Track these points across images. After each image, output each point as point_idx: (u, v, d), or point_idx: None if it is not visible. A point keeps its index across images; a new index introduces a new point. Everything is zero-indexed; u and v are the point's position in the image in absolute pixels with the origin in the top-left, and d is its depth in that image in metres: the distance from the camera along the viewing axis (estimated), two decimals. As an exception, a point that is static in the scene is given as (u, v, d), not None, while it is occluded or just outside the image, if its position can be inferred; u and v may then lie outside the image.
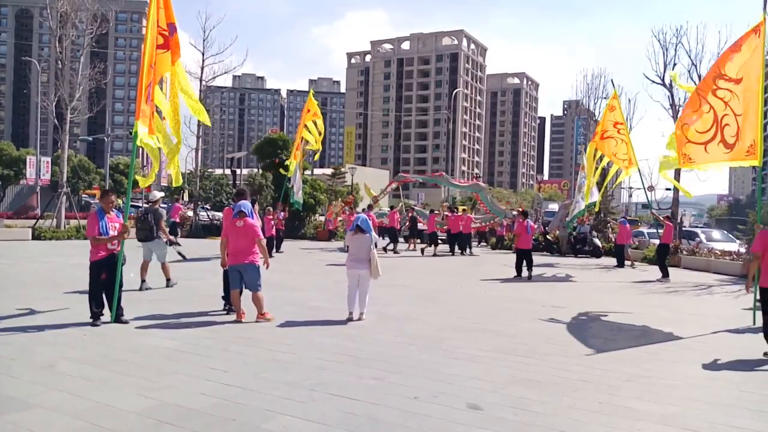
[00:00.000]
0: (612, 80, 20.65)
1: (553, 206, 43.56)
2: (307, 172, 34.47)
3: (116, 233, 8.14)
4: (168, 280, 11.66)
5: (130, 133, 8.65)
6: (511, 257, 17.26)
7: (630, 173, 17.66)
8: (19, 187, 54.39)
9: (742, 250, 18.35)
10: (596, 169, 19.14)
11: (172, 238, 13.21)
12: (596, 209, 21.51)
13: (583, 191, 19.18)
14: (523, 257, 15.73)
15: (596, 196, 19.63)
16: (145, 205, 16.23)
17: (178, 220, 23.29)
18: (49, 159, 52.62)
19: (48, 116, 26.51)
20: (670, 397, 5.67)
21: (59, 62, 24.30)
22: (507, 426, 4.76)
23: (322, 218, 30.83)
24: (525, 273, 15.66)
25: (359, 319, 8.85)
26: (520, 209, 19.84)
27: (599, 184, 19.88)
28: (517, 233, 16.24)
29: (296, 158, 20.70)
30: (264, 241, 8.76)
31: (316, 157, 25.70)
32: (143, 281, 11.22)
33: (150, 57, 8.47)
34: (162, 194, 13.43)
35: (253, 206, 9.01)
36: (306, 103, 20.87)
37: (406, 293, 12.23)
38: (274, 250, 19.02)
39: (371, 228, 9.16)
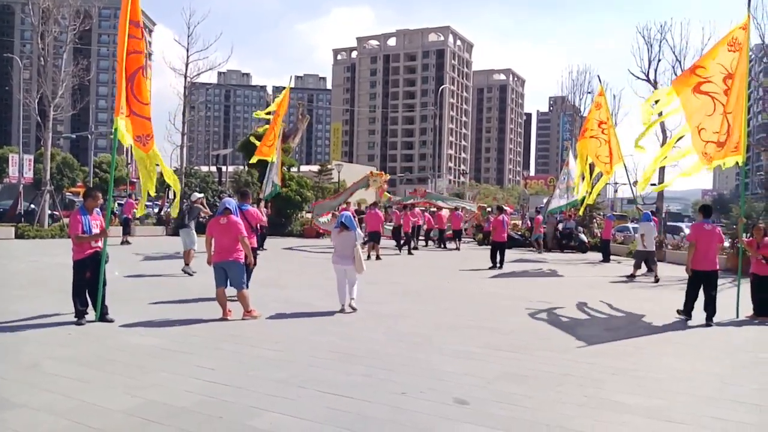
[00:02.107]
0: (599, 76, 20.78)
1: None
2: (293, 168, 34.08)
3: (99, 231, 8.08)
4: (186, 265, 13.10)
5: (113, 132, 8.52)
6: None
7: (612, 175, 17.67)
8: (1, 185, 53.65)
9: (726, 244, 18.52)
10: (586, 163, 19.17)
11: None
12: (581, 210, 21.52)
13: (562, 187, 19.43)
14: (498, 249, 17.25)
15: (583, 192, 19.70)
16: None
17: (130, 216, 22.90)
18: (31, 157, 51.91)
19: (30, 113, 26.16)
20: (655, 390, 5.73)
21: (41, 59, 23.91)
22: (495, 420, 4.78)
23: (309, 215, 30.60)
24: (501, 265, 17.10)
25: (351, 308, 9.14)
26: (496, 206, 20.39)
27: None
28: (493, 227, 17.85)
29: (272, 153, 19.62)
30: (247, 239, 8.77)
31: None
32: (187, 266, 13.04)
33: (127, 48, 8.44)
34: (201, 195, 14.98)
35: (258, 204, 9.05)
36: (283, 95, 19.84)
37: (397, 290, 12.25)
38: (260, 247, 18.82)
39: (356, 225, 9.48)
